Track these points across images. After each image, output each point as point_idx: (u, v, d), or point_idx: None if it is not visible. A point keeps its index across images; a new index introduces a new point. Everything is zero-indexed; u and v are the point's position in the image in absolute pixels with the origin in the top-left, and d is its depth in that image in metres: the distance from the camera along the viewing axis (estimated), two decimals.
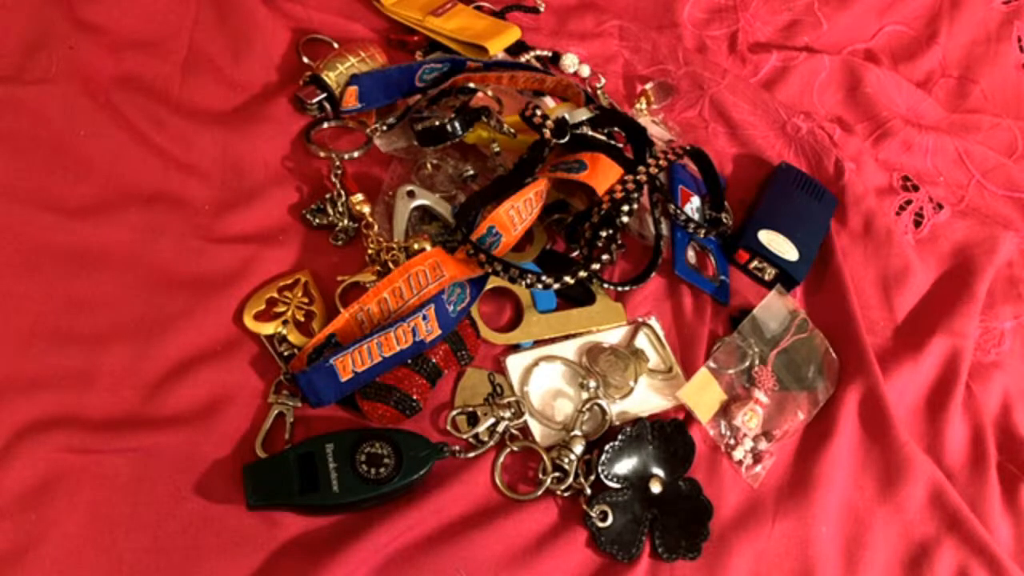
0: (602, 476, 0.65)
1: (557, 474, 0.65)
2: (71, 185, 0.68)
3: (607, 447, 0.66)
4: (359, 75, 0.77)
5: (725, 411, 0.73)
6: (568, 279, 0.68)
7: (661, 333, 0.76)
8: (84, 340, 0.62)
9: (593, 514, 0.64)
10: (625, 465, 0.67)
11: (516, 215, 0.70)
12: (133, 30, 0.77)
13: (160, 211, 0.69)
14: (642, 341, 0.75)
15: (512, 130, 0.75)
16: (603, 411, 0.69)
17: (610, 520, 0.64)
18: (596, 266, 0.71)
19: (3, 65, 0.71)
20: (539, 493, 0.65)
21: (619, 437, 0.67)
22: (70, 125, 0.70)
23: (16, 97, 0.69)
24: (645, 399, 0.72)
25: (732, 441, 0.72)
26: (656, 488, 0.67)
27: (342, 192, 0.73)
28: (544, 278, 0.67)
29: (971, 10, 1.07)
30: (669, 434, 0.69)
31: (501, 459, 0.66)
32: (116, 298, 0.65)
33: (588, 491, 0.65)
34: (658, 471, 0.68)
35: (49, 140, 0.69)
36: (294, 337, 0.66)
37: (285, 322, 0.66)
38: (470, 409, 0.66)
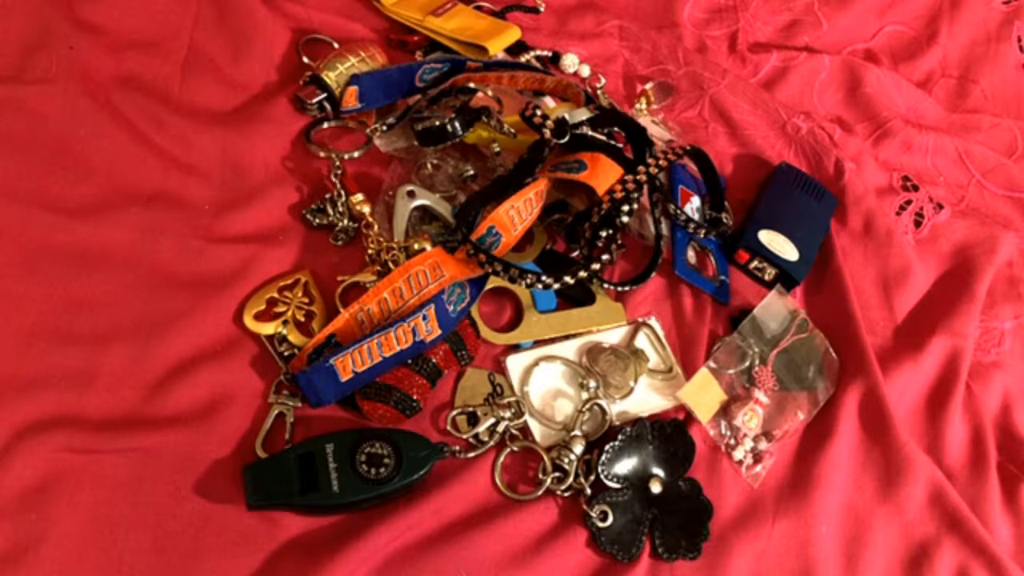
0: (602, 476, 0.65)
1: (557, 474, 0.65)
2: (71, 185, 0.68)
3: (607, 447, 0.66)
4: (359, 75, 0.77)
5: (725, 411, 0.73)
6: (568, 279, 0.68)
7: (661, 333, 0.76)
8: (84, 340, 0.62)
9: (593, 514, 0.64)
10: (625, 465, 0.67)
11: (516, 215, 0.70)
12: (133, 30, 0.77)
13: (160, 211, 0.69)
14: (642, 341, 0.75)
15: (512, 130, 0.75)
16: (603, 411, 0.69)
17: (610, 520, 0.64)
18: (596, 266, 0.71)
19: (3, 65, 0.71)
20: (539, 493, 0.65)
21: (619, 437, 0.67)
22: (70, 125, 0.70)
23: (16, 97, 0.69)
24: (645, 399, 0.72)
25: (732, 441, 0.72)
26: (656, 488, 0.66)
27: (342, 192, 0.73)
28: (544, 278, 0.67)
29: (971, 10, 1.07)
30: (669, 434, 0.69)
31: (501, 459, 0.66)
32: (116, 298, 0.65)
33: (588, 491, 0.65)
34: (658, 471, 0.68)
35: (49, 140, 0.69)
36: (294, 337, 0.66)
37: (285, 322, 0.66)
38: (470, 409, 0.66)
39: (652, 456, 0.68)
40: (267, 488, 0.58)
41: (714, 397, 0.73)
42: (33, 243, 0.64)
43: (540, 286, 0.68)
